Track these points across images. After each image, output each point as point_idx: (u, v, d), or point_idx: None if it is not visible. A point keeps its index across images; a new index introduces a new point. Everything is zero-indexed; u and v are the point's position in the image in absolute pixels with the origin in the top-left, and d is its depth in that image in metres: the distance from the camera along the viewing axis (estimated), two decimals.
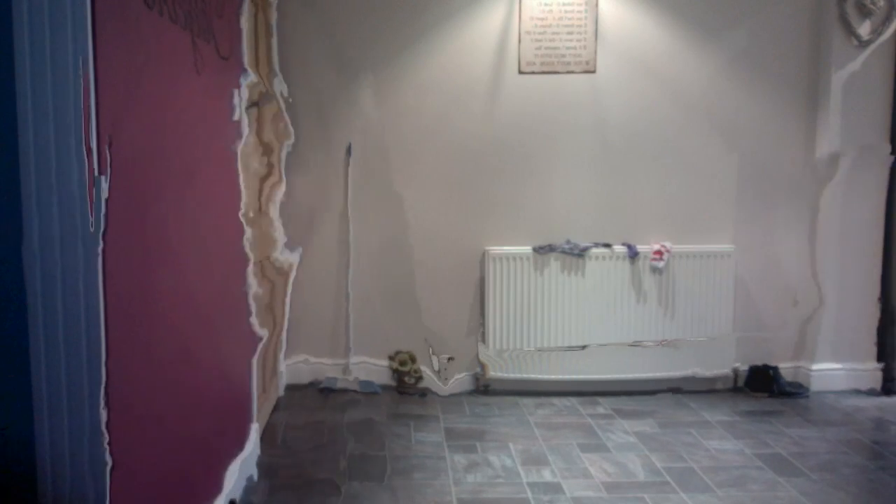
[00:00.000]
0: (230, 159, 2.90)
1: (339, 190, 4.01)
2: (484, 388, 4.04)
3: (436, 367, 4.01)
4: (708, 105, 4.02)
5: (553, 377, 3.97)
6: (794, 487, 2.89)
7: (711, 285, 4.02)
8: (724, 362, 4.04)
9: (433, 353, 4.01)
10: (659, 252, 3.96)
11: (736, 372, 4.08)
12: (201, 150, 2.48)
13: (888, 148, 3.97)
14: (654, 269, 3.97)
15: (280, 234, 3.79)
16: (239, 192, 3.02)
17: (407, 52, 3.94)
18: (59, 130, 1.59)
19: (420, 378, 4.02)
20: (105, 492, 1.69)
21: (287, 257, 3.85)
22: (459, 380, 4.04)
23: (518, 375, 3.99)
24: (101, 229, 1.66)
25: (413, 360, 4.03)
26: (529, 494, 2.83)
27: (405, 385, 3.99)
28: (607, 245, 3.98)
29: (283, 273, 3.81)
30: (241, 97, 2.97)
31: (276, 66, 3.78)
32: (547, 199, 4.03)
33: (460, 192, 4.02)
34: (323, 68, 3.94)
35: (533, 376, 3.98)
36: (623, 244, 3.98)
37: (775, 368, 4.02)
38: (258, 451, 3.07)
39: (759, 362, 4.08)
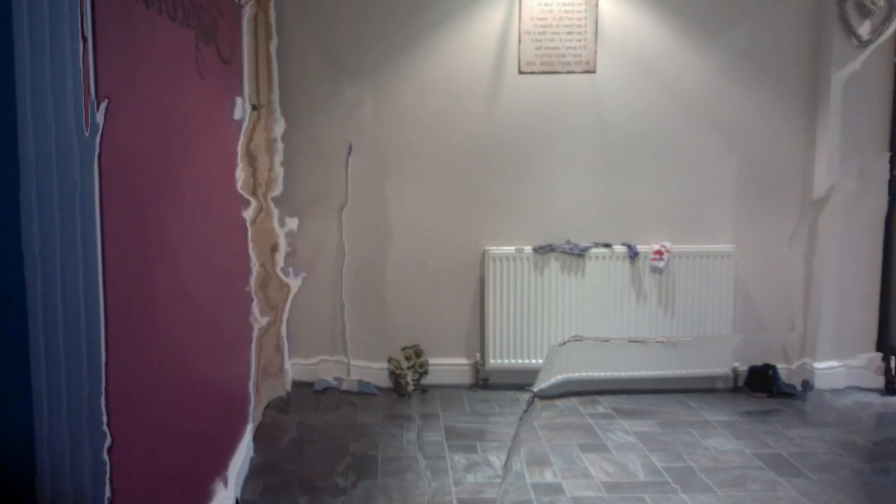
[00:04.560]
0: (232, 160, 2.90)
1: (339, 189, 4.01)
2: (483, 381, 4.04)
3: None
4: (708, 105, 4.02)
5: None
6: (794, 488, 2.89)
7: (711, 285, 4.02)
8: (724, 361, 4.05)
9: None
10: (659, 252, 3.97)
11: (736, 372, 4.07)
12: (203, 150, 2.48)
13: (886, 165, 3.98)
14: (654, 269, 3.97)
15: (282, 242, 3.77)
16: (241, 193, 3.03)
17: (407, 51, 3.94)
18: (60, 130, 1.59)
19: (425, 372, 4.03)
20: (105, 492, 1.69)
21: (287, 279, 3.78)
22: (460, 372, 4.06)
23: (519, 361, 4.00)
24: (101, 229, 1.66)
25: (419, 354, 4.03)
26: (532, 495, 2.83)
27: (401, 387, 3.99)
28: (607, 245, 3.98)
29: (283, 291, 3.77)
30: (242, 99, 2.98)
31: (276, 84, 3.77)
32: (547, 199, 4.03)
33: (460, 191, 4.02)
34: (322, 68, 3.94)
35: (534, 362, 3.98)
36: (623, 244, 3.99)
37: (774, 368, 4.02)
38: (254, 451, 3.07)
39: (758, 362, 4.07)
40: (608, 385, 3.99)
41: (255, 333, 3.20)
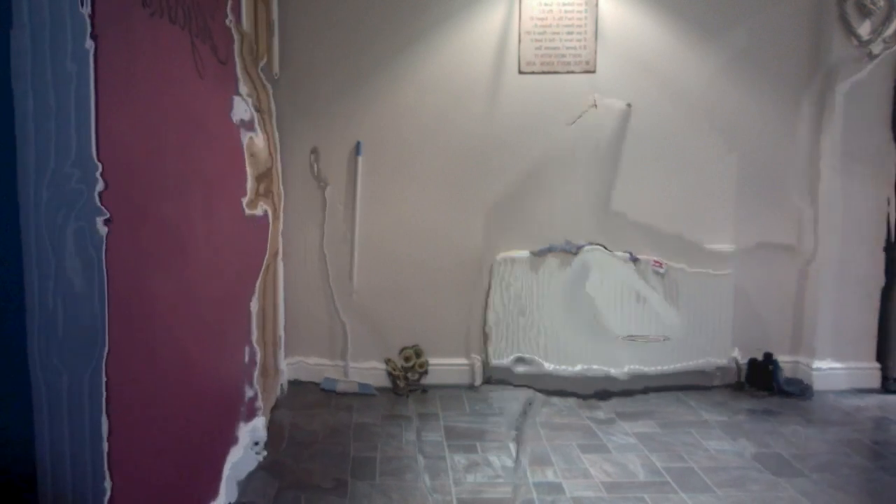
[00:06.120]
0: (234, 160, 2.90)
1: (339, 189, 4.01)
2: (484, 381, 4.04)
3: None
4: (708, 105, 4.02)
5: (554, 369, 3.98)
6: (794, 487, 2.89)
7: (711, 285, 4.02)
8: (725, 355, 4.04)
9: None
10: (659, 262, 3.98)
11: (737, 363, 4.07)
12: (204, 151, 2.48)
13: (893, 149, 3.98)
14: (656, 273, 3.98)
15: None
16: (244, 192, 3.03)
17: (407, 51, 3.94)
18: (59, 130, 1.59)
19: (425, 372, 4.03)
20: (105, 492, 1.69)
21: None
22: (459, 372, 4.06)
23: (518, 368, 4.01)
24: (101, 230, 1.66)
25: (419, 354, 4.04)
26: (534, 495, 2.83)
27: (399, 388, 3.99)
28: (604, 247, 3.99)
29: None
30: (242, 99, 2.98)
31: (277, 69, 3.80)
32: (546, 199, 4.03)
33: (460, 191, 4.02)
34: (322, 68, 3.94)
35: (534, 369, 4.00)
36: (625, 252, 3.99)
37: (775, 362, 4.01)
38: (253, 451, 3.07)
39: (758, 355, 4.07)
40: (607, 384, 3.99)
41: (255, 333, 3.20)
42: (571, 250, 3.95)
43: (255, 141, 3.25)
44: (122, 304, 1.77)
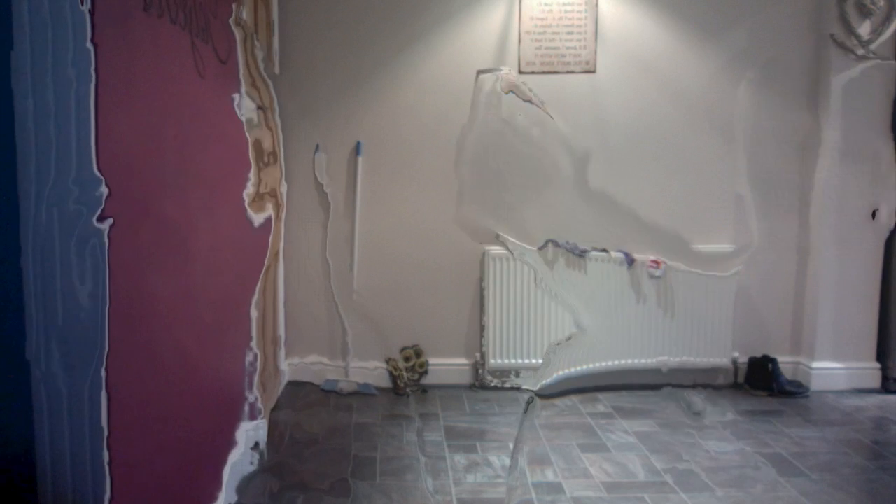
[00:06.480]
0: (236, 159, 2.90)
1: (339, 189, 4.01)
2: (482, 381, 4.05)
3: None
4: (708, 105, 4.02)
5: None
6: (794, 487, 2.89)
7: (711, 286, 4.02)
8: (724, 354, 4.05)
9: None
10: (656, 261, 3.98)
11: (735, 364, 4.08)
12: (205, 151, 2.48)
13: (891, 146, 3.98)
14: (652, 276, 3.98)
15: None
16: (246, 192, 3.03)
17: (407, 51, 3.94)
18: (60, 132, 1.59)
19: (425, 372, 4.03)
20: (105, 491, 1.69)
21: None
22: (460, 372, 4.07)
23: (518, 361, 4.02)
24: (102, 230, 1.66)
25: (419, 354, 4.04)
26: (533, 495, 2.83)
27: (399, 388, 3.99)
28: (604, 250, 3.98)
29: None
30: (244, 98, 2.97)
31: (277, 66, 3.80)
32: (546, 198, 4.03)
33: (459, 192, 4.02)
34: (322, 68, 3.94)
35: (534, 362, 4.02)
36: (619, 251, 3.98)
37: (774, 361, 4.01)
38: (253, 451, 3.07)
39: (757, 354, 4.07)
40: (607, 379, 3.99)
41: (255, 334, 3.20)
42: (574, 252, 3.95)
43: (258, 139, 3.25)
44: (123, 304, 1.77)
